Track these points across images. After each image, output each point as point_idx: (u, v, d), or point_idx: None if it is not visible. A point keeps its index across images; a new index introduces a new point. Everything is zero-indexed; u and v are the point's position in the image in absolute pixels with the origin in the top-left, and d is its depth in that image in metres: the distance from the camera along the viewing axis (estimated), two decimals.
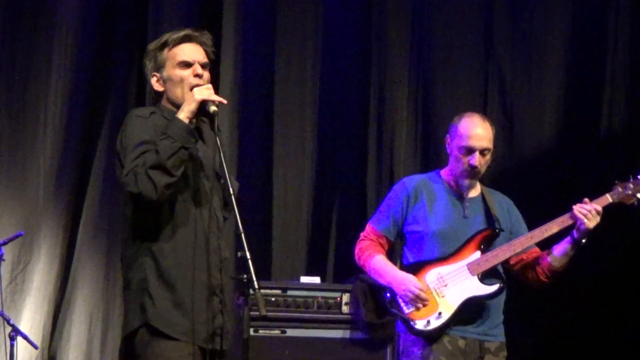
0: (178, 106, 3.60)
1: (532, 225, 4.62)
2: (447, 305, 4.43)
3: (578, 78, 6.35)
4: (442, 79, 6.43)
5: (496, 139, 4.60)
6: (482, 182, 4.66)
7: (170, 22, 6.24)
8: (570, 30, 6.36)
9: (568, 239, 4.46)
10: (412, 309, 4.44)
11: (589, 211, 4.38)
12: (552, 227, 4.48)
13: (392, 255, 4.73)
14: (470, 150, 4.45)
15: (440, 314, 4.42)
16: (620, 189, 4.49)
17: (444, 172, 4.62)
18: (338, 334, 5.22)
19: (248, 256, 3.30)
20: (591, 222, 4.38)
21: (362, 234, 4.70)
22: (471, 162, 4.45)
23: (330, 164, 6.41)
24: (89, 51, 6.33)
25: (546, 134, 6.35)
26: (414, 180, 4.65)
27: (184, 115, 3.51)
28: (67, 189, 6.25)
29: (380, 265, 4.56)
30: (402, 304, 4.45)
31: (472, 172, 4.49)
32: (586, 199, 4.44)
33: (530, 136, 6.36)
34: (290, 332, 5.21)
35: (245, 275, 3.32)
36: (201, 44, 3.68)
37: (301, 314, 5.21)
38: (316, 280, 5.41)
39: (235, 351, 3.65)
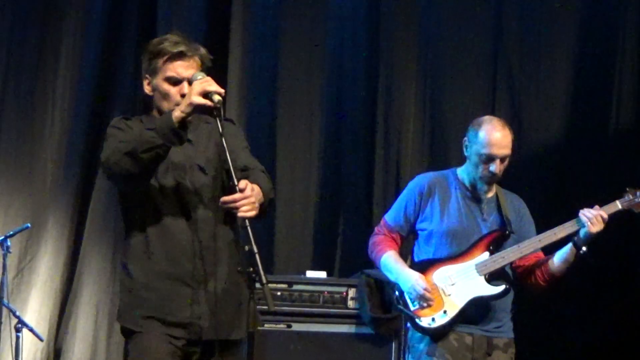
0: None
1: (539, 224, 4.61)
2: (452, 304, 4.43)
3: (587, 76, 6.33)
4: (450, 76, 6.40)
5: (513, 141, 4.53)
6: (497, 182, 4.64)
7: (179, 17, 6.25)
8: (579, 28, 6.34)
9: (569, 245, 4.43)
10: (417, 307, 4.44)
11: (595, 216, 4.33)
12: (560, 232, 4.44)
13: (404, 250, 4.72)
14: (491, 158, 4.42)
15: (445, 312, 4.42)
16: (630, 196, 4.44)
17: (460, 172, 4.60)
18: (344, 329, 5.23)
19: (255, 250, 3.25)
20: (594, 227, 4.33)
21: (376, 228, 4.72)
22: (492, 169, 4.43)
23: (337, 158, 6.39)
24: (97, 46, 6.35)
25: (555, 132, 6.33)
26: (429, 178, 4.64)
27: (178, 112, 3.40)
28: (74, 181, 6.27)
29: (389, 261, 4.57)
30: (409, 301, 4.46)
31: (492, 179, 4.48)
32: (597, 206, 4.40)
33: (539, 134, 6.33)
34: (296, 327, 5.22)
35: (252, 269, 3.28)
36: (197, 57, 3.62)
37: (307, 309, 5.23)
38: (322, 274, 5.43)
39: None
